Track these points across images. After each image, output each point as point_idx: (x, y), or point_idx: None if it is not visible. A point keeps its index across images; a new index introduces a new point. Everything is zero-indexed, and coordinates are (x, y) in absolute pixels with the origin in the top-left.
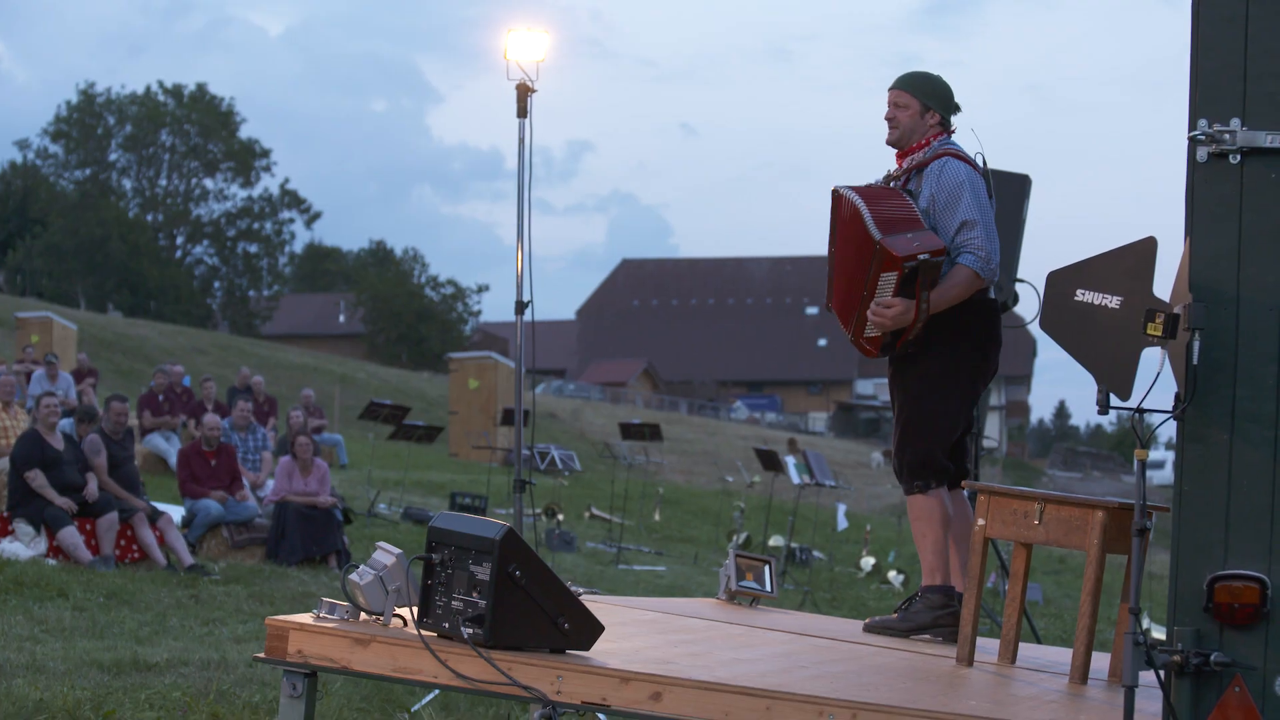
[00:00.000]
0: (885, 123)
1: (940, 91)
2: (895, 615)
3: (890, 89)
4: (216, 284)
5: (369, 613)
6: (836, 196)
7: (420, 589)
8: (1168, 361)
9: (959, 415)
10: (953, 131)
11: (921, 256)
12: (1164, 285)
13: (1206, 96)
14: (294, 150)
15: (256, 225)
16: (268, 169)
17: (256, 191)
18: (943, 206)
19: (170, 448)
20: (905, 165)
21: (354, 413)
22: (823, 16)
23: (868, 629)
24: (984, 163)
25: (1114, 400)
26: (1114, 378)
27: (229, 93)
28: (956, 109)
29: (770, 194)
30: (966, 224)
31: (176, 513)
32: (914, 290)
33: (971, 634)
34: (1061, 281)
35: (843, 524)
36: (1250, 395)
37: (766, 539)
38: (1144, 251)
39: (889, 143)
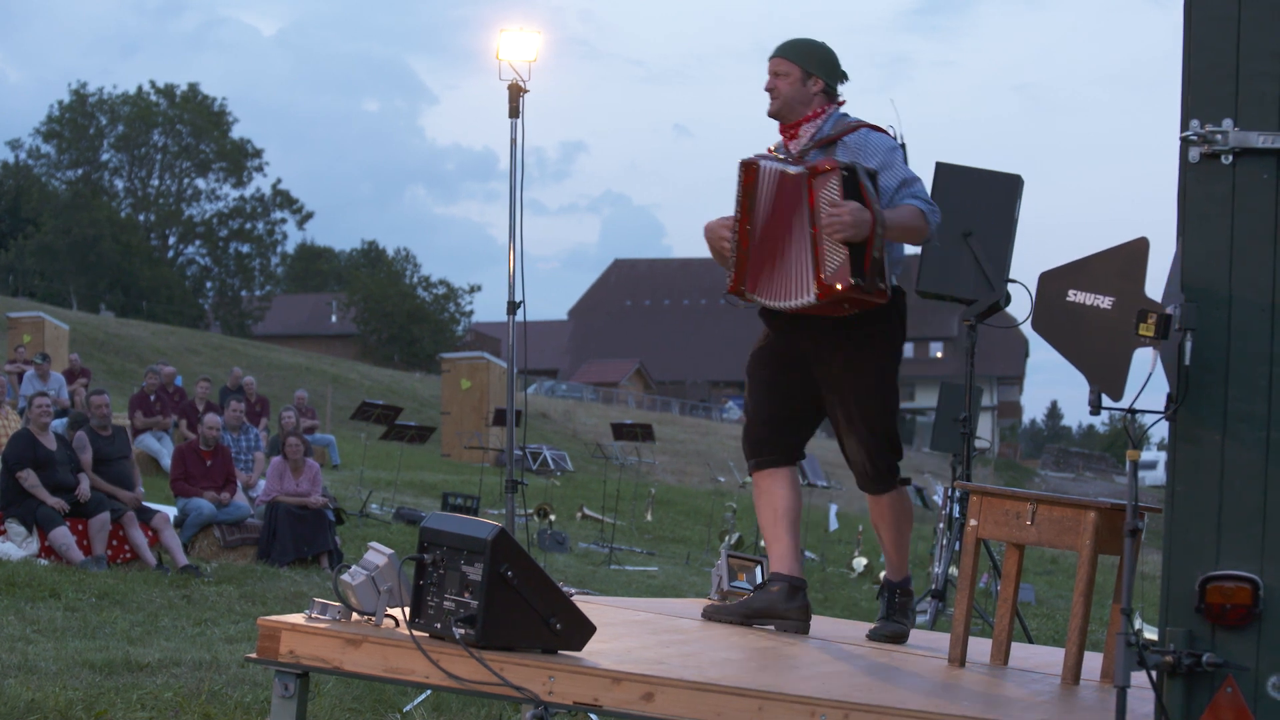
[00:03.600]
0: (766, 94)
1: (822, 57)
2: (889, 618)
3: (770, 58)
4: (209, 284)
5: (361, 613)
6: (752, 168)
7: (412, 589)
8: (1160, 362)
9: None
10: (842, 102)
11: (857, 165)
12: (1156, 286)
13: (1198, 97)
14: (286, 150)
15: (249, 225)
16: (260, 169)
17: (249, 191)
18: (877, 170)
19: (162, 448)
20: (808, 140)
21: (346, 413)
22: (811, 16)
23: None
24: (899, 137)
25: (1106, 401)
26: (1106, 378)
27: (222, 93)
28: (843, 77)
29: None
30: (907, 181)
31: (171, 513)
32: (859, 194)
33: (964, 634)
34: (1054, 282)
35: (834, 524)
36: (1242, 396)
37: (758, 539)
38: (1136, 252)
39: (770, 114)
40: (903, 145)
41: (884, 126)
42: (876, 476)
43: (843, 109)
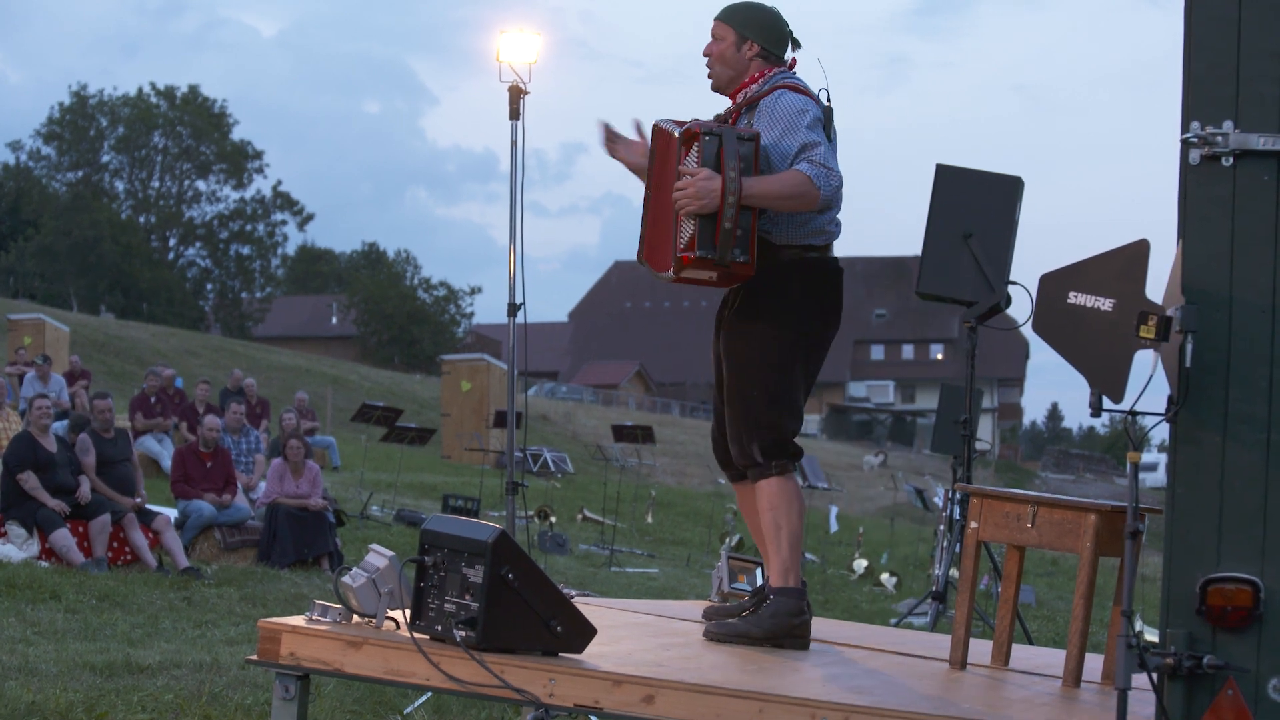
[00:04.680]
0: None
1: (761, 20)
2: (741, 616)
3: (713, 20)
4: (209, 286)
5: (361, 615)
6: (655, 130)
7: (413, 591)
8: (1160, 364)
9: (805, 385)
10: (791, 65)
11: (727, 128)
12: (1157, 288)
13: (1199, 98)
14: (287, 152)
15: (249, 227)
16: (260, 171)
17: (249, 193)
18: (780, 135)
19: (163, 450)
20: (737, 102)
21: (346, 415)
22: (809, 16)
23: (709, 634)
24: (828, 99)
25: (1107, 403)
26: (1107, 380)
27: (222, 94)
28: (792, 42)
29: None
30: (807, 145)
31: (173, 515)
32: (720, 162)
33: (964, 636)
34: (1054, 284)
35: (835, 526)
36: (1243, 397)
37: None
38: (1136, 254)
39: (712, 88)
40: (827, 108)
41: (806, 88)
42: (744, 458)
43: (788, 71)
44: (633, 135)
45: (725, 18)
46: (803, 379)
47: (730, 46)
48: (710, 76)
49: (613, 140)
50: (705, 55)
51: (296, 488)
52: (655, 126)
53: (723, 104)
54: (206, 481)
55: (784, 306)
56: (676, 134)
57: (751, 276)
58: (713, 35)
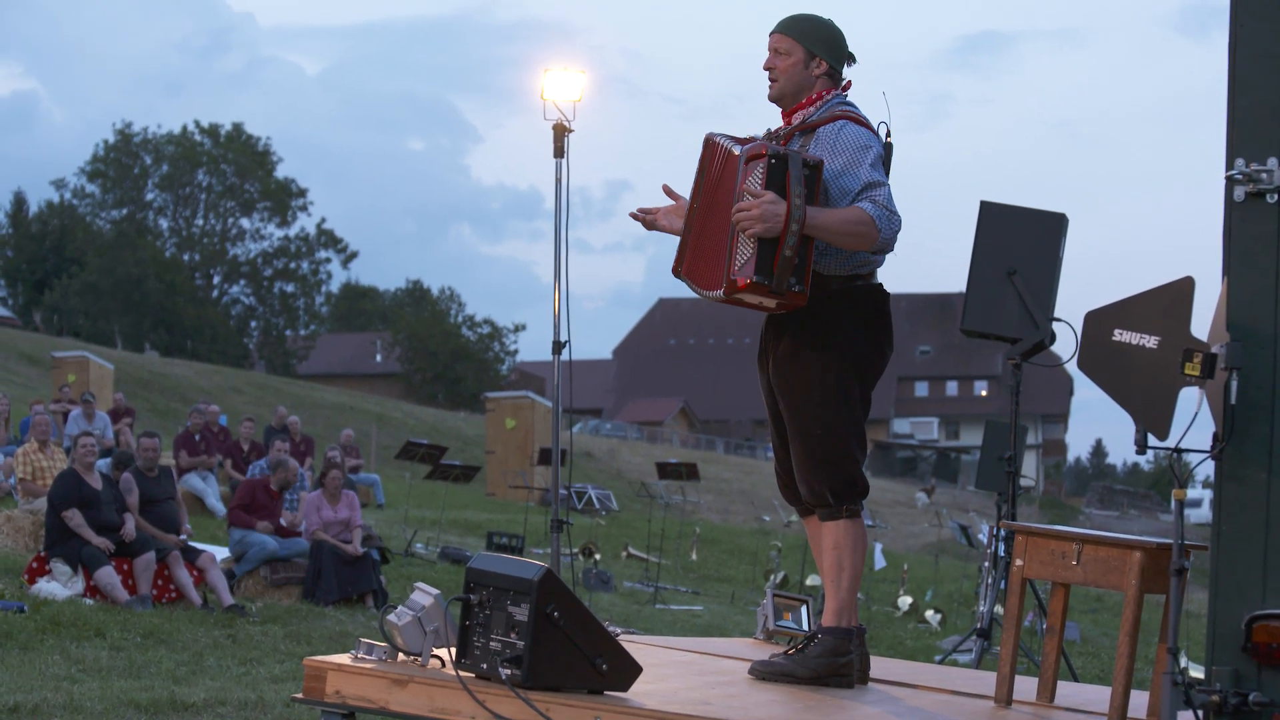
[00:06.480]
0: (765, 73)
1: (828, 36)
2: (786, 654)
3: (770, 34)
4: (253, 323)
5: (407, 653)
6: (709, 144)
7: (458, 630)
8: (1205, 401)
9: (863, 416)
10: (847, 86)
11: (793, 152)
12: (1202, 324)
13: (1243, 136)
14: (331, 189)
15: (293, 265)
16: (304, 208)
17: (293, 231)
18: (841, 170)
19: (207, 487)
20: (793, 123)
21: (391, 452)
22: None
23: (755, 672)
24: (888, 133)
25: (1152, 440)
26: (1152, 417)
27: (266, 132)
28: (850, 59)
29: None
30: (869, 185)
31: (219, 552)
32: (784, 186)
33: (1010, 673)
34: (1099, 321)
35: (880, 563)
36: None
37: (804, 578)
38: (1181, 291)
39: (771, 98)
40: (888, 144)
41: (867, 120)
42: (814, 499)
43: (846, 94)
44: (666, 200)
45: (790, 31)
46: (861, 406)
47: (798, 64)
48: (771, 88)
49: (650, 213)
50: (768, 69)
51: (334, 514)
52: (708, 139)
53: (760, 113)
54: (268, 514)
55: (836, 338)
56: (738, 151)
57: (802, 307)
58: (775, 49)
